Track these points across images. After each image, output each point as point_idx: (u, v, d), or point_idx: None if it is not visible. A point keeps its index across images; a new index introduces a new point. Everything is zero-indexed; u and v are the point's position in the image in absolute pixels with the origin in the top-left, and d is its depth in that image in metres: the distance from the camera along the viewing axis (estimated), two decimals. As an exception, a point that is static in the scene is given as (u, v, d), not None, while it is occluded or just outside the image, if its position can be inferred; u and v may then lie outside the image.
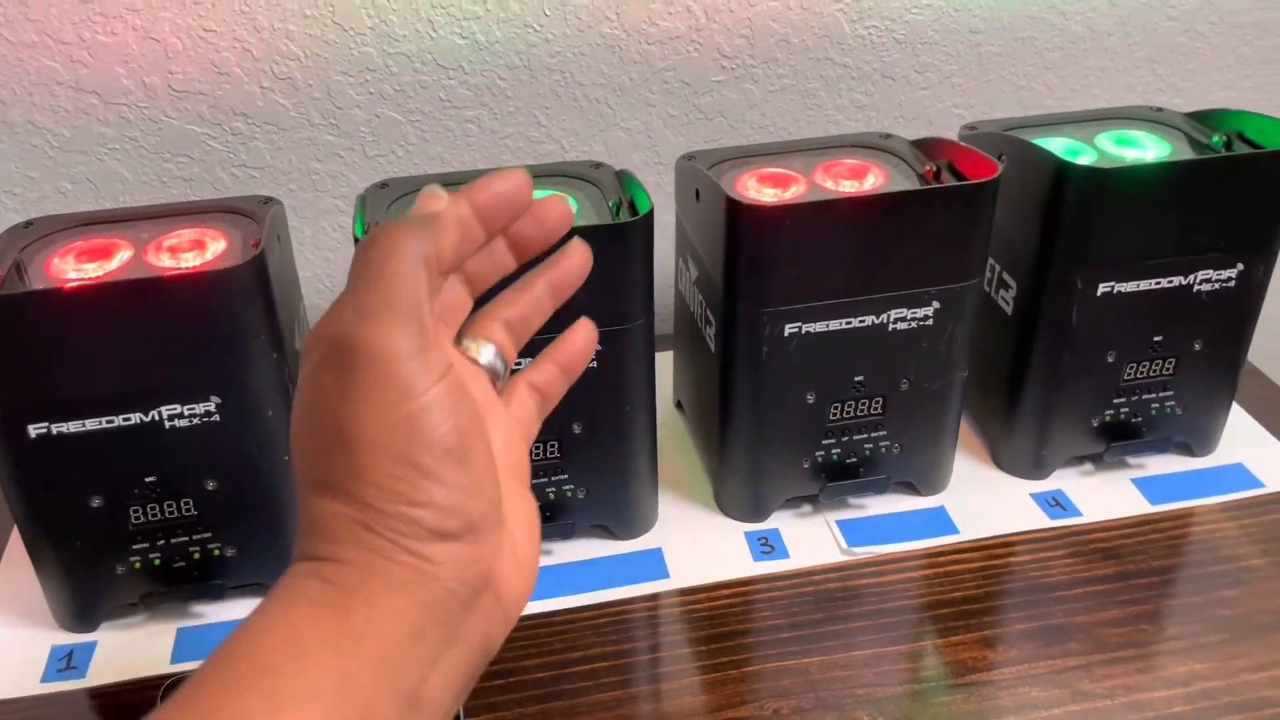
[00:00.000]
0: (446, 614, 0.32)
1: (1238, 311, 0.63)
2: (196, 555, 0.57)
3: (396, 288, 0.32)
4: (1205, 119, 0.66)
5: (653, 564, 0.62)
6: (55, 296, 0.49)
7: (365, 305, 0.32)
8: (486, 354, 0.38)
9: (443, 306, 0.36)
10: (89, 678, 0.56)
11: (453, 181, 0.60)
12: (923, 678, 0.55)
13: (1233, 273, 0.61)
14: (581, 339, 0.42)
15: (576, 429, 0.59)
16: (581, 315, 0.54)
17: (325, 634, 0.31)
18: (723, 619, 0.59)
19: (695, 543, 0.63)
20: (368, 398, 0.31)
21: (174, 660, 0.56)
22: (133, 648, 0.57)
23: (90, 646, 0.57)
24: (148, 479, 0.54)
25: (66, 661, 0.56)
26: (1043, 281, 0.61)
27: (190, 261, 0.54)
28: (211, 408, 0.53)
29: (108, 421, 0.52)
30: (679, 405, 0.74)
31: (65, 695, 0.55)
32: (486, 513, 0.33)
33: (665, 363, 0.74)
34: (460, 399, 0.33)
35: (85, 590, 0.57)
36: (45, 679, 0.56)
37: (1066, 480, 0.67)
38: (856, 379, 0.60)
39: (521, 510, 0.37)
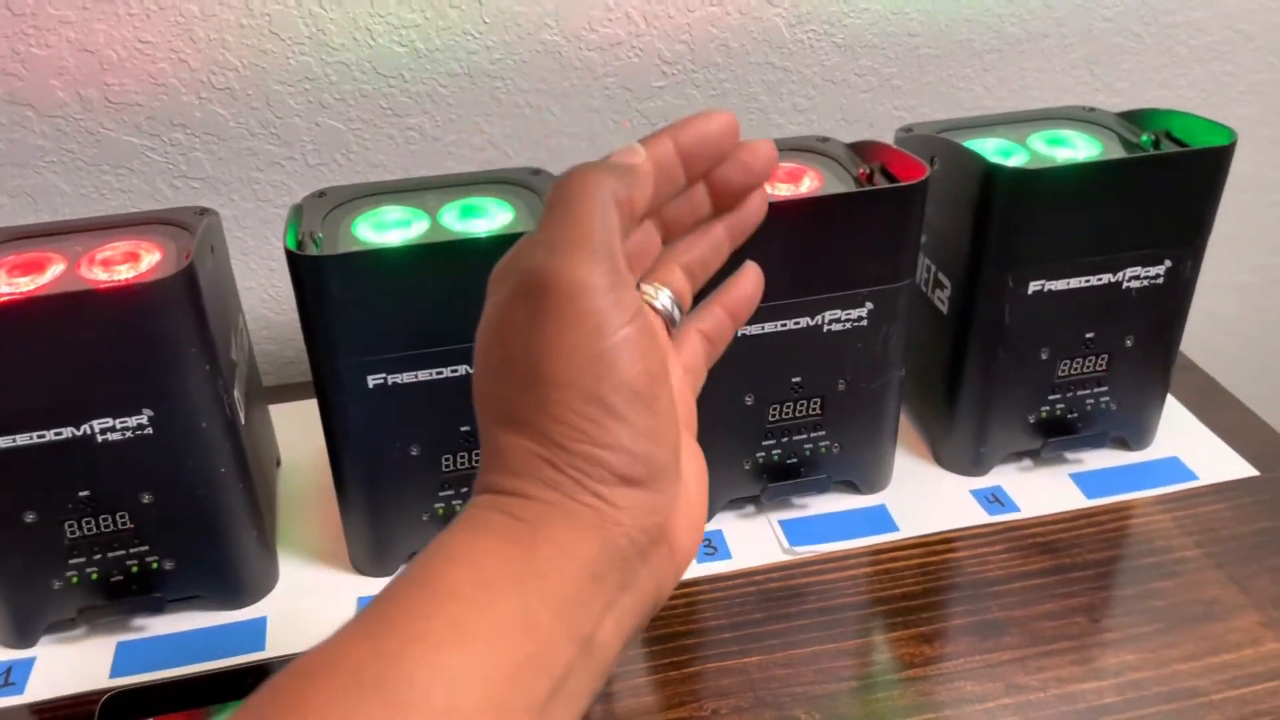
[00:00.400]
0: (624, 560, 0.32)
1: (1167, 307, 0.64)
2: (134, 569, 0.57)
3: (590, 224, 0.32)
4: (1135, 118, 0.67)
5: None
6: (-19, 312, 0.49)
7: (558, 240, 0.32)
8: (663, 298, 0.37)
9: (632, 250, 0.35)
10: (28, 694, 0.55)
11: (393, 190, 0.61)
12: (860, 674, 0.55)
13: (1161, 269, 0.63)
14: (750, 282, 0.40)
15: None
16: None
17: (510, 568, 0.31)
18: (665, 620, 0.59)
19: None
20: (560, 333, 0.31)
21: (113, 674, 0.56)
22: (72, 662, 0.57)
23: (29, 662, 0.57)
24: (81, 493, 0.54)
25: (5, 678, 0.56)
26: (975, 281, 0.62)
27: (124, 274, 0.54)
28: (144, 420, 0.52)
29: (39, 436, 0.52)
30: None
31: (4, 712, 0.54)
32: (668, 461, 0.33)
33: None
34: (650, 342, 0.32)
35: (22, 606, 0.56)
36: (-18, 697, 0.55)
37: (1006, 476, 0.68)
38: (794, 380, 0.61)
39: (692, 463, 0.36)
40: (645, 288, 0.37)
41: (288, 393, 0.76)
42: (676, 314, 0.37)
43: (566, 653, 0.31)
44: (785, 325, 0.59)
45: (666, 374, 0.33)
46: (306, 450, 0.70)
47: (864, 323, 0.60)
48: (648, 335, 0.32)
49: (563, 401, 0.31)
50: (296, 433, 0.71)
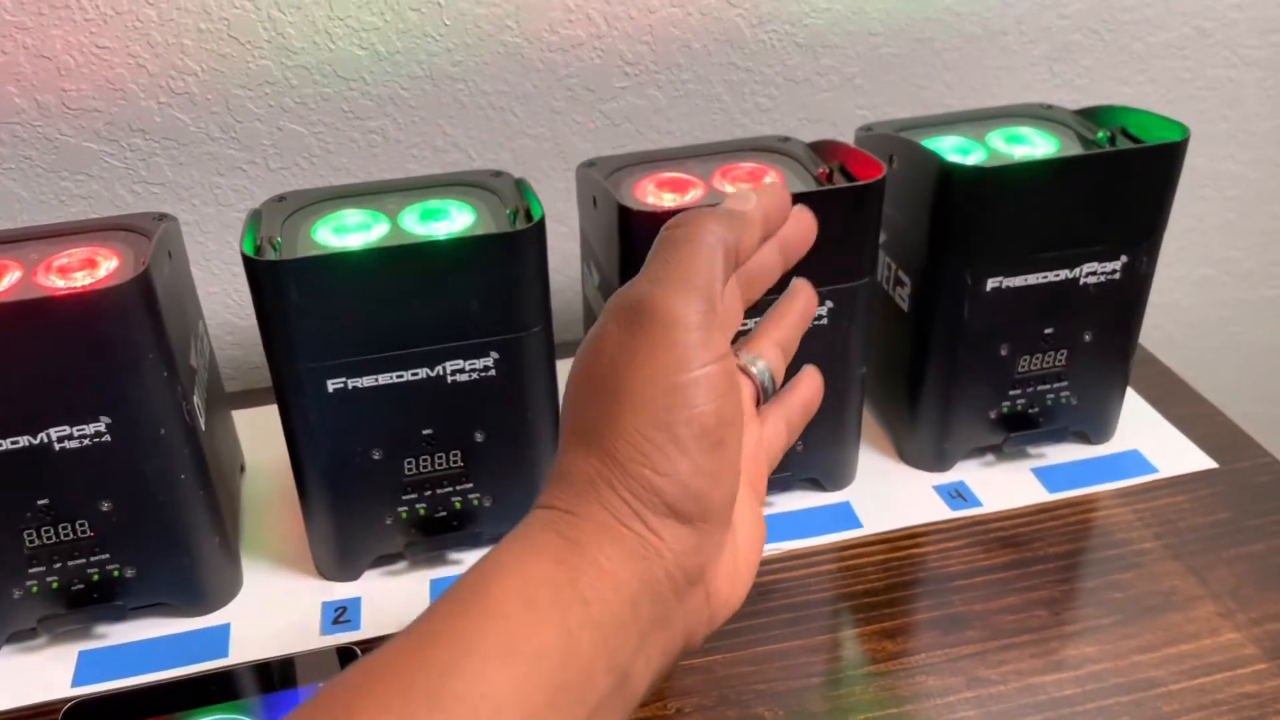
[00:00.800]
0: (660, 594, 0.34)
1: (1124, 302, 0.65)
2: (95, 577, 0.56)
3: (695, 264, 0.35)
4: (1092, 115, 0.67)
5: (562, 569, 0.62)
6: (-66, 320, 0.49)
7: (661, 275, 0.34)
8: (759, 367, 0.41)
9: (724, 311, 0.38)
10: (-13, 705, 0.55)
11: (353, 193, 0.60)
12: (824, 670, 0.56)
13: (1117, 265, 0.63)
14: (815, 385, 0.45)
15: (479, 437, 0.59)
16: (474, 325, 0.55)
17: (556, 591, 0.32)
18: (631, 621, 0.59)
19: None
20: (646, 357, 0.33)
21: (76, 683, 0.56)
22: (33, 672, 0.56)
23: (-12, 674, 0.56)
24: (40, 502, 0.53)
25: (-37, 690, 0.56)
26: (934, 278, 0.63)
27: (81, 281, 0.54)
28: (102, 428, 0.52)
29: (-6, 445, 0.51)
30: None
31: (-38, 724, 0.54)
32: (721, 507, 0.35)
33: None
34: (729, 387, 0.34)
35: (-20, 617, 0.56)
36: (-59, 708, 0.55)
37: (968, 471, 0.69)
38: (755, 379, 0.61)
39: (750, 523, 0.38)
40: (744, 355, 0.41)
41: (253, 398, 0.75)
42: (769, 386, 0.41)
43: (603, 684, 0.32)
44: (745, 324, 0.59)
45: (739, 426, 0.35)
46: (271, 455, 0.70)
47: (824, 321, 0.60)
48: (728, 382, 0.34)
49: (634, 423, 0.33)
50: (261, 438, 0.70)
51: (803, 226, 0.42)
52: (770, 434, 0.41)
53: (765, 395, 0.41)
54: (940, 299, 0.63)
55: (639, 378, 0.33)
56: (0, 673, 0.56)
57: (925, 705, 0.53)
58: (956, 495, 0.67)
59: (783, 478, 0.64)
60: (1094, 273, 0.63)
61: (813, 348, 0.61)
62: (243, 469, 0.70)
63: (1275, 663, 0.55)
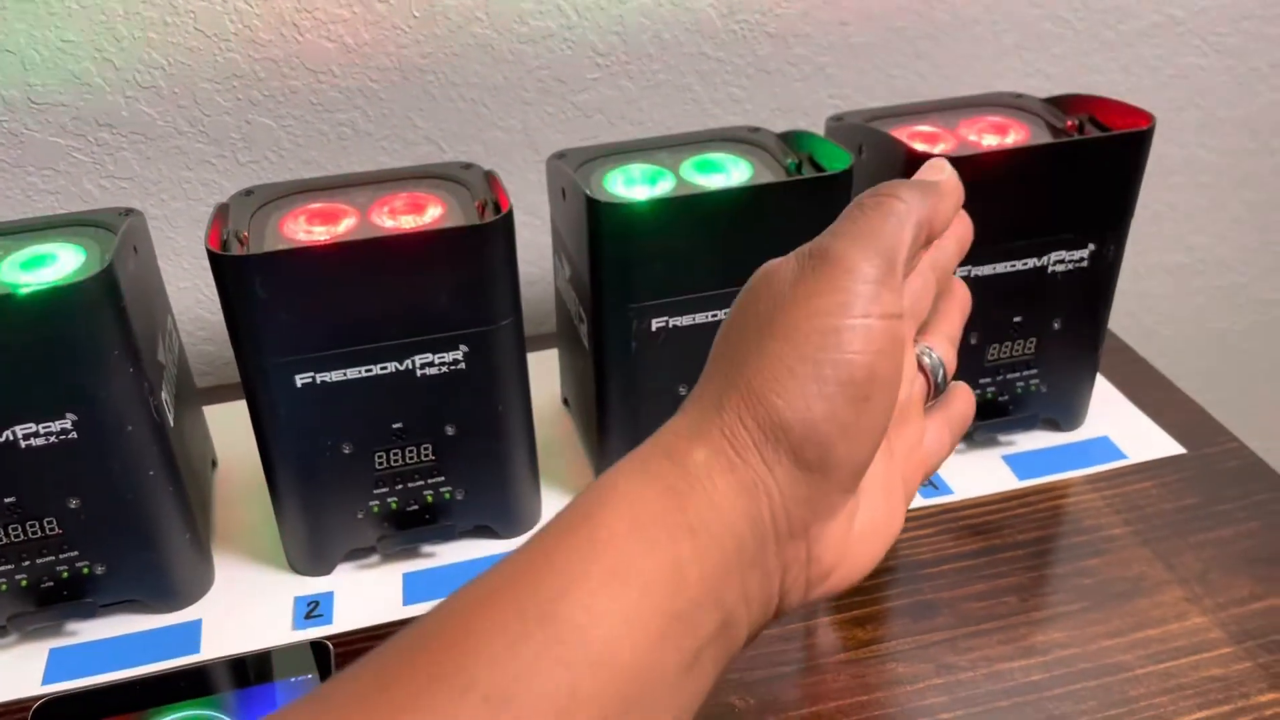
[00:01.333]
0: (762, 535, 0.33)
1: (1092, 290, 0.65)
2: (65, 574, 0.56)
3: (882, 225, 0.34)
4: (1061, 104, 0.68)
5: (535, 561, 0.62)
6: (-105, 319, 0.48)
7: (846, 230, 0.35)
8: (933, 358, 0.40)
9: (908, 283, 0.38)
10: (-44, 704, 0.55)
11: (322, 186, 0.60)
12: (794, 659, 0.56)
13: (1085, 253, 0.64)
14: (971, 400, 0.44)
15: (450, 431, 0.59)
16: (443, 319, 0.55)
17: (666, 519, 0.31)
18: (604, 612, 0.59)
19: (578, 538, 0.64)
20: (812, 295, 0.33)
21: (46, 681, 0.55)
22: (2, 670, 0.56)
23: (-42, 672, 0.56)
24: (6, 500, 0.53)
25: (-68, 689, 0.55)
26: (905, 267, 0.63)
27: (45, 277, 0.54)
28: (68, 425, 0.52)
29: (-41, 443, 0.51)
30: (565, 402, 0.75)
31: (-68, 724, 0.54)
32: (846, 465, 0.34)
33: (552, 360, 0.74)
34: (891, 347, 0.33)
35: (-52, 616, 0.56)
36: (-90, 708, 0.54)
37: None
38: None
39: (883, 509, 0.37)
40: (918, 344, 0.40)
41: (226, 393, 0.75)
42: (941, 379, 0.41)
43: (709, 621, 0.31)
44: (716, 315, 0.59)
45: (892, 393, 0.34)
46: (244, 450, 0.69)
47: (794, 311, 0.60)
48: (891, 343, 0.33)
49: (780, 350, 0.33)
50: (234, 433, 0.70)
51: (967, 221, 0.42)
52: (934, 440, 0.41)
53: (936, 390, 0.41)
54: (910, 288, 0.63)
55: (800, 313, 0.33)
56: (-31, 671, 0.56)
57: (895, 692, 0.54)
58: (928, 483, 0.67)
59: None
60: (1062, 260, 0.63)
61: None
62: (215, 464, 0.70)
63: (1241, 646, 0.55)
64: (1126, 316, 1.02)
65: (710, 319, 0.59)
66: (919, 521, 0.64)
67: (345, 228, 0.57)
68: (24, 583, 0.56)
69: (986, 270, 0.62)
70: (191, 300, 0.80)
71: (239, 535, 0.65)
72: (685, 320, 0.59)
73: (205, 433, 0.70)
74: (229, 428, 0.71)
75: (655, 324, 0.58)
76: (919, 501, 0.66)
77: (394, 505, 0.60)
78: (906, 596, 0.59)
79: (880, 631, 0.57)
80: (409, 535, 0.61)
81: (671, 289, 0.58)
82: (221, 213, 0.57)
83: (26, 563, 0.55)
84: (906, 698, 0.53)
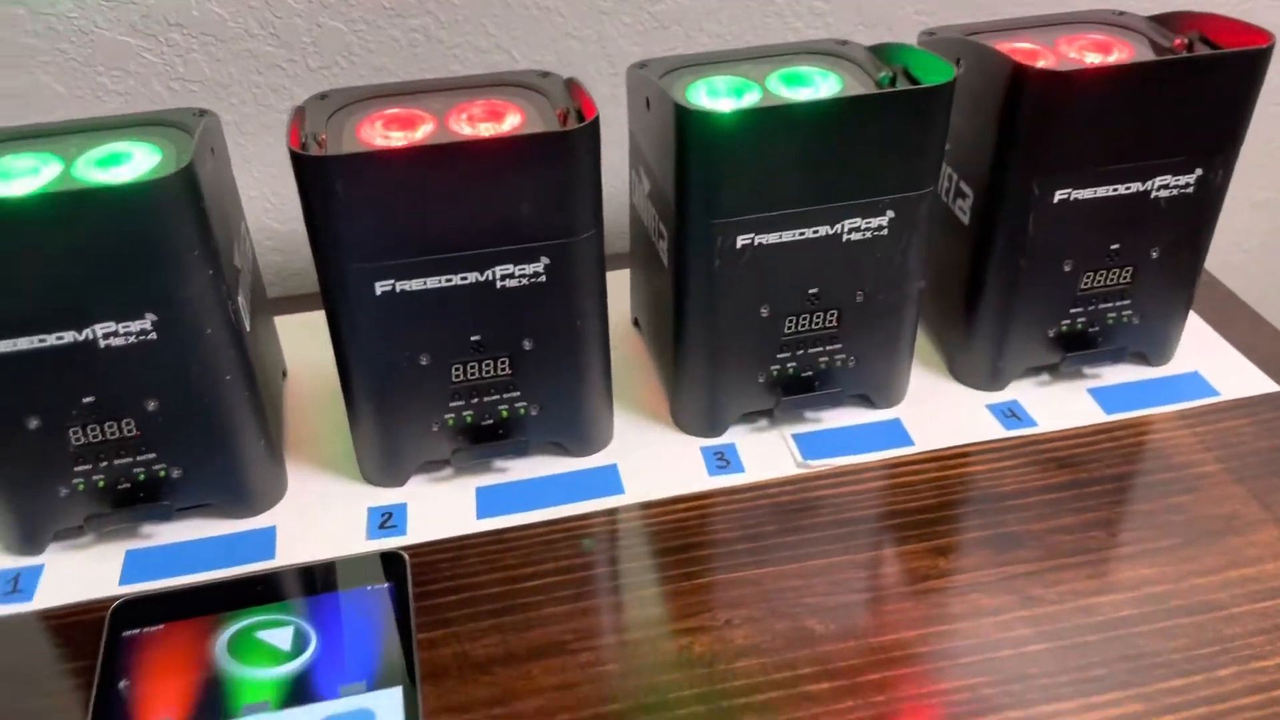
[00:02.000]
0: None
1: (1196, 218, 0.63)
2: (141, 476, 0.56)
3: None
4: (1167, 22, 0.64)
5: (608, 480, 0.61)
6: (-23, 211, 0.47)
7: None
8: None
9: None
10: (36, 601, 0.55)
11: (396, 92, 0.58)
12: (874, 586, 0.55)
13: (1191, 178, 0.61)
14: None
15: (527, 345, 0.58)
16: (525, 229, 0.54)
17: None
18: (677, 533, 0.59)
19: (651, 459, 0.63)
20: None
21: (123, 582, 0.56)
22: (80, 570, 0.56)
23: (37, 570, 0.56)
24: (85, 400, 0.53)
25: (13, 585, 0.56)
26: (999, 189, 0.60)
27: (123, 176, 0.53)
28: (147, 325, 0.51)
29: (40, 340, 0.50)
30: (636, 323, 0.73)
31: (13, 618, 0.54)
32: None
33: (623, 280, 0.73)
34: None
35: (28, 513, 0.56)
36: (-9, 603, 0.55)
37: (1023, 391, 0.67)
38: (811, 291, 0.59)
39: None
40: None
41: (294, 304, 0.74)
42: None
43: None
44: (803, 234, 0.57)
45: None
46: (312, 362, 0.69)
47: (885, 231, 0.58)
48: None
49: None
50: (302, 344, 0.70)
51: None
52: None
53: None
54: (1004, 211, 0.61)
55: None
56: (48, 570, 0.56)
57: (979, 623, 0.53)
58: (1010, 415, 0.65)
59: (833, 394, 0.63)
60: (1166, 186, 0.60)
61: (870, 260, 0.59)
62: (284, 375, 0.70)
63: (1339, 589, 0.54)
64: (1211, 252, 0.98)
65: (797, 237, 0.57)
66: (1002, 453, 0.63)
67: (423, 134, 0.55)
68: (101, 484, 0.56)
69: (1086, 194, 0.60)
70: (259, 209, 0.79)
71: (310, 446, 0.64)
72: (771, 238, 0.57)
73: (277, 342, 0.69)
74: (297, 339, 0.70)
75: (740, 241, 0.56)
76: (1002, 433, 0.64)
77: (469, 419, 0.60)
78: (989, 528, 0.58)
79: (963, 561, 0.56)
80: (483, 450, 0.60)
81: (759, 205, 0.56)
82: (299, 115, 0.55)
83: (104, 464, 0.55)
84: (990, 628, 0.52)
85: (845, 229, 0.57)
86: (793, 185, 0.56)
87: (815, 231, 0.57)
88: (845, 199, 0.56)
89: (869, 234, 0.58)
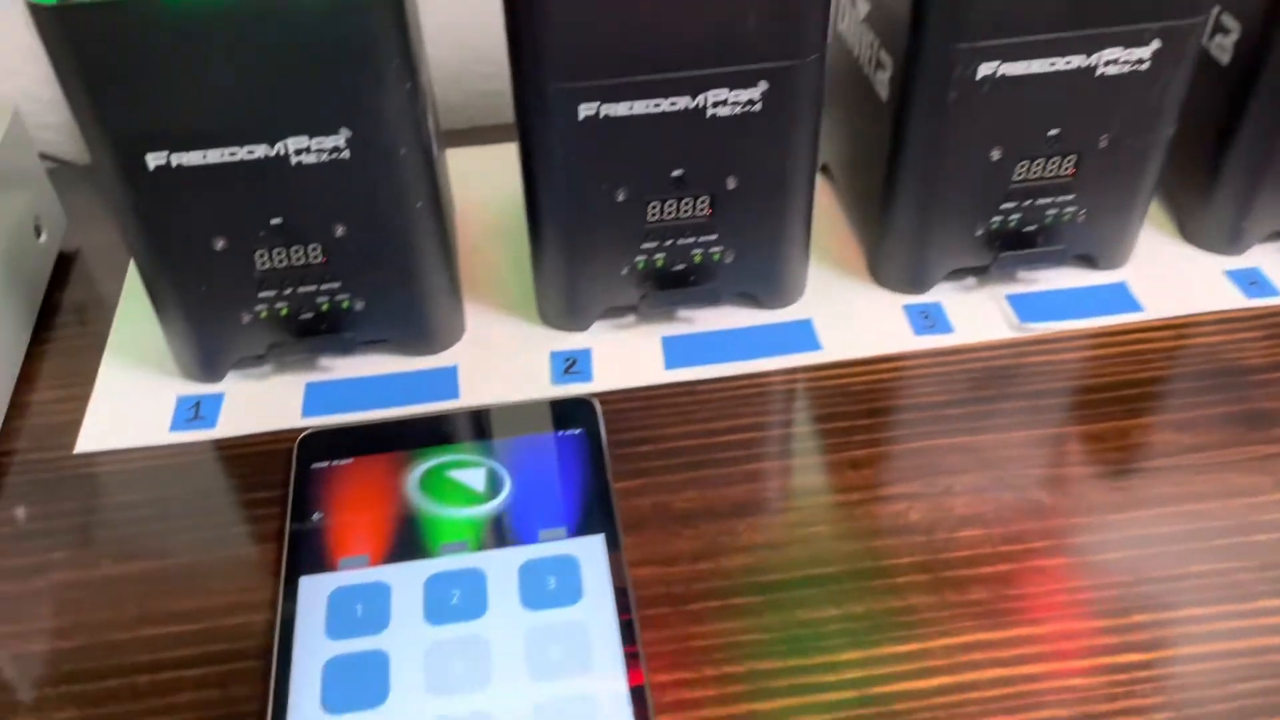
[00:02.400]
0: None
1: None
2: (325, 307, 0.53)
3: None
4: None
5: (803, 335, 0.57)
6: (168, 10, 0.44)
7: None
8: None
9: None
10: (218, 428, 0.53)
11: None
12: (1107, 460, 0.50)
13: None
14: None
15: (731, 184, 0.53)
16: (745, 49, 0.48)
17: None
18: (880, 394, 0.54)
19: (848, 315, 0.58)
20: None
21: (305, 414, 0.54)
22: (260, 400, 0.55)
23: (218, 398, 0.55)
24: (273, 220, 0.50)
25: (195, 411, 0.54)
26: (1271, 25, 0.53)
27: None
28: (341, 142, 0.48)
29: (230, 154, 0.47)
30: (824, 169, 0.68)
31: (195, 445, 0.53)
32: None
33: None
34: None
35: (210, 339, 0.54)
36: (174, 428, 0.54)
37: (1267, 257, 0.60)
38: (1051, 133, 0.53)
39: None
40: None
41: (456, 139, 0.70)
42: None
43: None
44: (1054, 64, 0.50)
45: None
46: (477, 199, 0.66)
47: (1145, 66, 0.51)
48: None
49: None
50: (466, 181, 0.66)
51: None
52: None
53: None
54: (1276, 50, 0.53)
55: None
56: (232, 398, 0.55)
57: (1230, 504, 0.48)
58: (1253, 283, 0.59)
59: (1056, 251, 0.57)
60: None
61: (1124, 99, 0.52)
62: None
63: None
64: None
65: (1049, 68, 0.50)
66: (1243, 323, 0.57)
67: (631, -59, 0.50)
68: (284, 312, 0.53)
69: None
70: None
71: (485, 286, 0.61)
72: (1017, 68, 0.50)
73: (449, 175, 0.65)
74: (459, 176, 0.66)
75: (982, 70, 0.50)
76: (1243, 301, 0.58)
77: (659, 263, 0.55)
78: (1234, 404, 0.52)
79: (1207, 438, 0.51)
80: (672, 296, 0.56)
81: (1008, 28, 0.49)
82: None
83: (288, 291, 0.52)
84: (1245, 511, 0.47)
85: (1102, 61, 0.51)
86: (1049, 6, 0.49)
87: (1068, 62, 0.50)
88: (1107, 25, 0.50)
89: (1127, 68, 0.51)
